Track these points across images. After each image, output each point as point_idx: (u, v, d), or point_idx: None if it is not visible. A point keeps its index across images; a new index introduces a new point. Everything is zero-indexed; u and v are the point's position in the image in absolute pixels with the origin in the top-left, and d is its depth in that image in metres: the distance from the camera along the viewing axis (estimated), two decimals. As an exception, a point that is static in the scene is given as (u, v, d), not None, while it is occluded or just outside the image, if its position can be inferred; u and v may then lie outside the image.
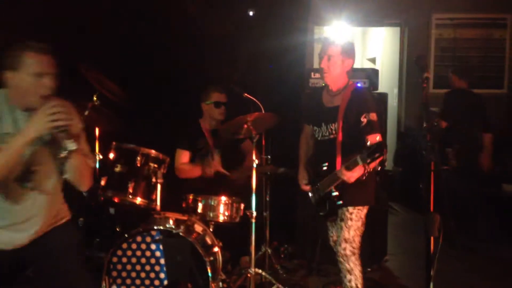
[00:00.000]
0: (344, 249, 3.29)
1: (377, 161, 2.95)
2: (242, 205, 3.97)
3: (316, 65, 6.54)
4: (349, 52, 3.37)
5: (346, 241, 3.29)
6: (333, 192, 3.28)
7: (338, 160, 3.25)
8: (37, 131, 2.38)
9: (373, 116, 3.18)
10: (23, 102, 2.49)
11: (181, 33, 5.09)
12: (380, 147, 2.86)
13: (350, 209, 3.31)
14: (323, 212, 3.43)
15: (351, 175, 3.06)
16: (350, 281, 3.33)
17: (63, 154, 2.51)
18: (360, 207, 3.33)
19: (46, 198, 2.61)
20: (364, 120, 3.10)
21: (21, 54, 2.42)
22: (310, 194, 3.55)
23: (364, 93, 3.42)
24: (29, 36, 4.54)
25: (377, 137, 3.13)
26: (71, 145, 2.39)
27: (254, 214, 3.73)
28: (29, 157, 2.50)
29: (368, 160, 2.88)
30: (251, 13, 5.43)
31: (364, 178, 3.07)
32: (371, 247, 4.40)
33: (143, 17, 5.02)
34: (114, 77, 4.14)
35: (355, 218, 3.31)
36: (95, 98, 4.03)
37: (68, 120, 2.38)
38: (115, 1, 4.97)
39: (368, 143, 2.91)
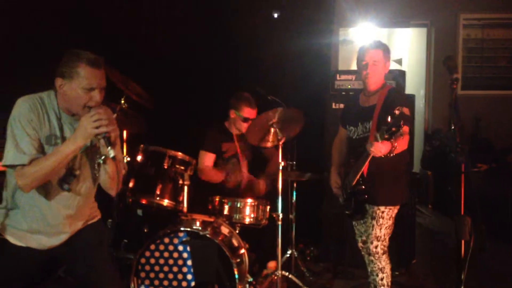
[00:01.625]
0: (376, 247, 3.30)
1: (402, 140, 2.94)
2: (268, 207, 3.97)
3: (341, 67, 6.51)
4: (388, 54, 3.40)
5: (377, 239, 3.30)
6: (359, 185, 3.27)
7: None
8: (84, 138, 2.43)
9: (406, 110, 3.15)
10: (69, 108, 2.55)
11: (206, 35, 5.11)
12: (397, 120, 2.81)
13: (382, 208, 3.31)
14: (349, 211, 3.43)
15: (380, 147, 2.97)
16: (382, 279, 3.35)
17: (100, 160, 2.59)
18: (391, 207, 3.32)
19: (80, 200, 2.66)
20: (396, 112, 3.09)
21: (76, 66, 2.44)
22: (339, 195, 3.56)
23: (400, 91, 3.52)
24: (58, 39, 4.66)
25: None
26: (111, 152, 2.42)
27: (280, 216, 3.73)
28: (71, 161, 2.55)
29: (386, 136, 2.85)
30: (275, 15, 5.42)
31: (391, 155, 3.00)
32: (399, 251, 4.35)
33: (168, 18, 5.06)
34: (140, 80, 4.18)
35: (386, 216, 3.31)
36: (122, 101, 4.08)
37: (110, 126, 2.43)
38: (140, 4, 5.02)
39: (389, 119, 2.85)
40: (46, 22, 4.64)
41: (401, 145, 3.05)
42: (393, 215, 3.34)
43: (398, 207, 3.36)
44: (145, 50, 5.02)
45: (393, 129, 2.83)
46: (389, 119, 2.84)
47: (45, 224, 2.58)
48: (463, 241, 2.65)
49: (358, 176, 3.25)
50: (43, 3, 4.66)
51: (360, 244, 3.56)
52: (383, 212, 3.30)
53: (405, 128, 2.97)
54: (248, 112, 4.23)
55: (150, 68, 4.90)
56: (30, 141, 2.43)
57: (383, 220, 3.30)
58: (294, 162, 4.35)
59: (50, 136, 2.51)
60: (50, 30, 4.63)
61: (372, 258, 3.35)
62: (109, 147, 2.41)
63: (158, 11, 5.05)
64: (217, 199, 3.90)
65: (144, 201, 3.77)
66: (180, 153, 3.79)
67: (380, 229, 3.30)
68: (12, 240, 2.59)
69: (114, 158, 2.45)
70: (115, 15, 4.93)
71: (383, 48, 3.37)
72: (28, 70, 4.30)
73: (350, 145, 3.55)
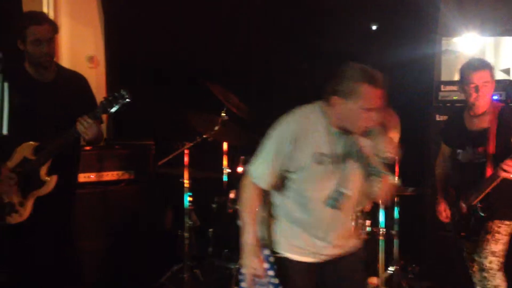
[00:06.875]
0: (491, 262, 3.14)
1: None
2: (368, 222, 3.89)
3: (444, 78, 6.28)
4: (494, 72, 3.29)
5: (493, 254, 3.14)
6: (480, 203, 3.15)
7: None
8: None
9: None
10: (341, 125, 2.37)
11: (304, 49, 5.14)
12: None
13: (498, 222, 3.16)
14: (465, 232, 3.29)
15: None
16: None
17: (375, 179, 2.35)
18: (508, 222, 3.16)
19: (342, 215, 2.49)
20: None
21: (357, 85, 2.25)
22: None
23: None
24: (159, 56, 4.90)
25: None
26: (392, 178, 2.26)
27: (382, 231, 3.64)
28: (342, 178, 2.40)
29: None
30: (373, 27, 5.35)
31: None
32: (506, 270, 4.09)
33: (267, 32, 5.15)
34: (239, 93, 4.28)
35: (503, 232, 3.16)
36: (223, 114, 4.19)
37: (395, 154, 2.26)
38: (237, 19, 5.15)
39: None
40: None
41: None
42: (510, 231, 3.17)
43: None
44: (244, 64, 5.14)
45: None
46: None
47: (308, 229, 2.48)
48: None
49: (481, 197, 3.12)
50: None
51: (469, 263, 3.40)
52: (499, 227, 3.14)
53: None
54: None
55: (249, 80, 5.01)
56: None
57: (499, 235, 3.14)
58: (397, 176, 4.22)
59: (320, 154, 2.37)
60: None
61: (485, 274, 3.16)
62: (390, 174, 2.26)
63: (256, 25, 5.16)
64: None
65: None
66: (279, 165, 3.80)
67: (496, 244, 3.14)
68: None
69: (394, 183, 2.31)
70: (220, 33, 5.11)
71: (489, 67, 3.25)
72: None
73: (461, 169, 3.40)
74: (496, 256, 3.14)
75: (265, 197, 2.55)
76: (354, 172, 2.41)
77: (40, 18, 3.14)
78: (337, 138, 2.39)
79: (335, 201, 2.39)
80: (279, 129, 2.45)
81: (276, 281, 2.52)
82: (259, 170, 2.46)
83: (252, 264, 2.45)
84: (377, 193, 2.41)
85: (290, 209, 2.48)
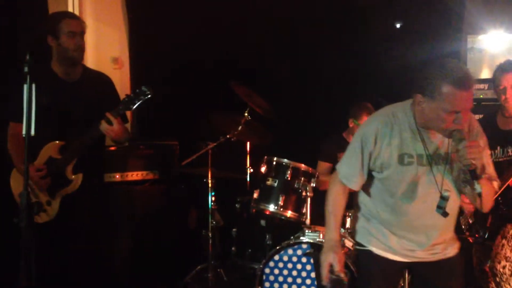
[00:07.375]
0: (504, 267, 3.08)
1: None
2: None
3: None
4: None
5: (506, 259, 3.08)
6: (498, 197, 3.07)
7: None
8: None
9: None
10: (425, 124, 2.30)
11: (327, 48, 5.12)
12: None
13: None
14: (480, 234, 3.23)
15: None
16: None
17: (464, 186, 2.29)
18: None
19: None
20: None
21: (442, 86, 2.13)
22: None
23: None
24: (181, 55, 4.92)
25: None
26: (477, 187, 2.13)
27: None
28: (438, 180, 2.31)
29: None
30: (397, 25, 5.31)
31: None
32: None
33: (290, 33, 5.14)
34: (263, 93, 4.28)
35: None
36: (246, 114, 4.19)
37: (478, 159, 2.17)
38: (262, 20, 5.15)
39: None
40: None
41: None
42: None
43: None
44: (267, 63, 5.14)
45: None
46: None
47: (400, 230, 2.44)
48: None
49: (502, 189, 3.06)
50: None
51: (479, 275, 3.38)
52: None
53: None
54: None
55: (272, 81, 5.00)
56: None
57: None
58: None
59: (404, 154, 2.32)
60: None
61: (498, 280, 3.11)
62: (474, 181, 2.14)
63: (281, 25, 5.15)
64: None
65: (267, 212, 3.83)
66: (303, 165, 3.80)
67: (511, 250, 3.07)
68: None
69: (479, 194, 2.15)
70: (240, 33, 5.11)
71: None
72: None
73: None
74: (510, 261, 3.08)
75: (354, 195, 2.56)
76: (445, 176, 2.32)
77: (72, 13, 3.20)
78: (424, 139, 2.31)
79: (441, 208, 2.29)
80: (365, 128, 2.42)
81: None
82: (346, 169, 2.44)
83: (330, 259, 2.40)
84: (468, 200, 2.35)
85: (378, 210, 2.45)
